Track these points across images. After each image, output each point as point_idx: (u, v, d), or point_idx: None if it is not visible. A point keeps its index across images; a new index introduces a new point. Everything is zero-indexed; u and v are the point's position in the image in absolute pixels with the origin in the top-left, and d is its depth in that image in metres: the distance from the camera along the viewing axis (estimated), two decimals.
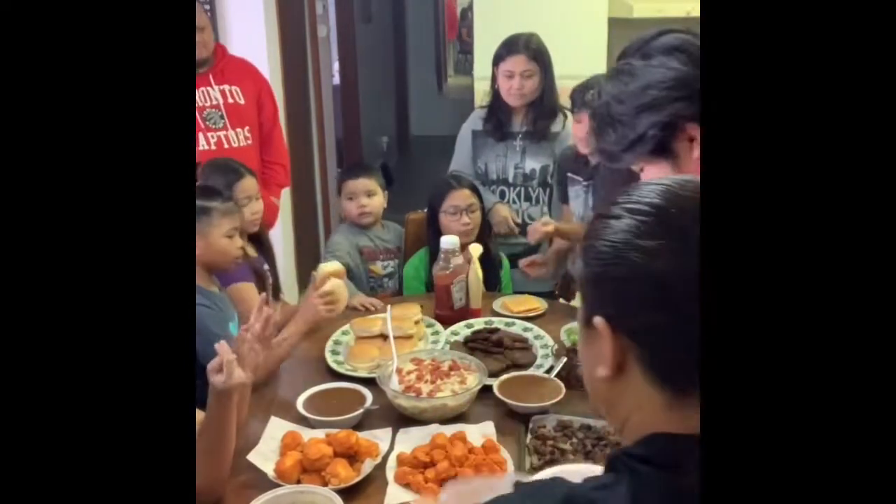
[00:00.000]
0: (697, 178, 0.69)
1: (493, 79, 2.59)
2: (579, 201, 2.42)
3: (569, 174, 2.47)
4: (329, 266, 2.02)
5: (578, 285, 0.74)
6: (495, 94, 2.61)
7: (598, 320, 0.68)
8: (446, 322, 2.14)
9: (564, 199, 2.53)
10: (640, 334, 0.67)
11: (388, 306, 2.02)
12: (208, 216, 1.90)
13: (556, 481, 0.72)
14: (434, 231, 2.42)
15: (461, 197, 2.39)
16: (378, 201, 2.51)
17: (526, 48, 2.50)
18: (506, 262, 2.58)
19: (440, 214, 2.41)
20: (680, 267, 0.64)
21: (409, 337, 1.99)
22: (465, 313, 2.18)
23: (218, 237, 1.91)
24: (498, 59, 2.55)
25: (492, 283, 2.42)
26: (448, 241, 2.16)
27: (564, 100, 2.50)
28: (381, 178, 2.54)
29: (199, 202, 1.88)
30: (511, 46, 2.53)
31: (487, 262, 2.33)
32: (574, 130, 2.35)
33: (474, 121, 2.72)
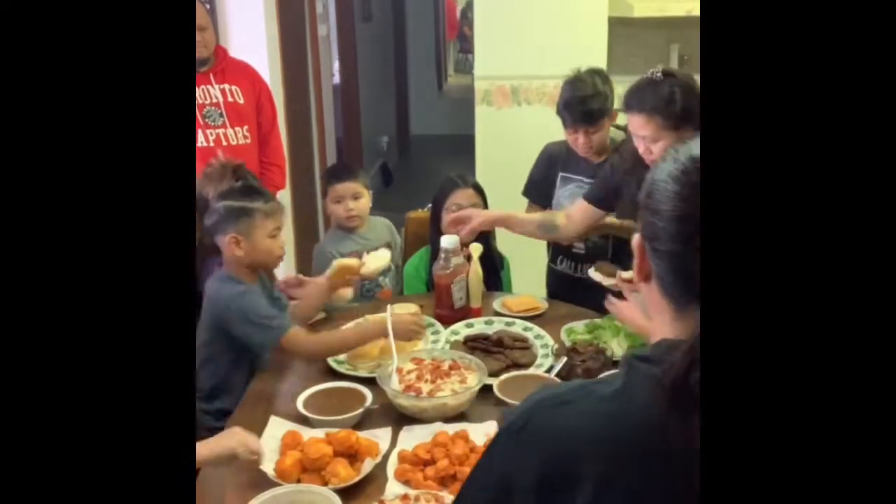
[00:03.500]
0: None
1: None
2: (572, 198, 2.38)
3: (562, 174, 2.45)
4: (345, 261, 2.14)
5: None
6: None
7: (635, 238, 0.83)
8: (446, 322, 2.14)
9: (540, 199, 2.52)
10: (657, 255, 0.79)
11: (389, 305, 2.02)
12: (251, 217, 1.89)
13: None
14: (436, 229, 2.41)
15: (465, 196, 2.39)
16: (364, 203, 2.48)
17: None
18: (507, 262, 2.58)
19: (443, 212, 2.41)
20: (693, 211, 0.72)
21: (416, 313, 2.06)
22: (466, 313, 2.18)
23: (262, 238, 1.91)
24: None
25: (492, 284, 2.42)
26: (448, 241, 2.16)
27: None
28: (365, 179, 2.52)
29: (241, 203, 1.89)
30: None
31: (488, 261, 2.33)
32: (575, 142, 2.30)
33: None
